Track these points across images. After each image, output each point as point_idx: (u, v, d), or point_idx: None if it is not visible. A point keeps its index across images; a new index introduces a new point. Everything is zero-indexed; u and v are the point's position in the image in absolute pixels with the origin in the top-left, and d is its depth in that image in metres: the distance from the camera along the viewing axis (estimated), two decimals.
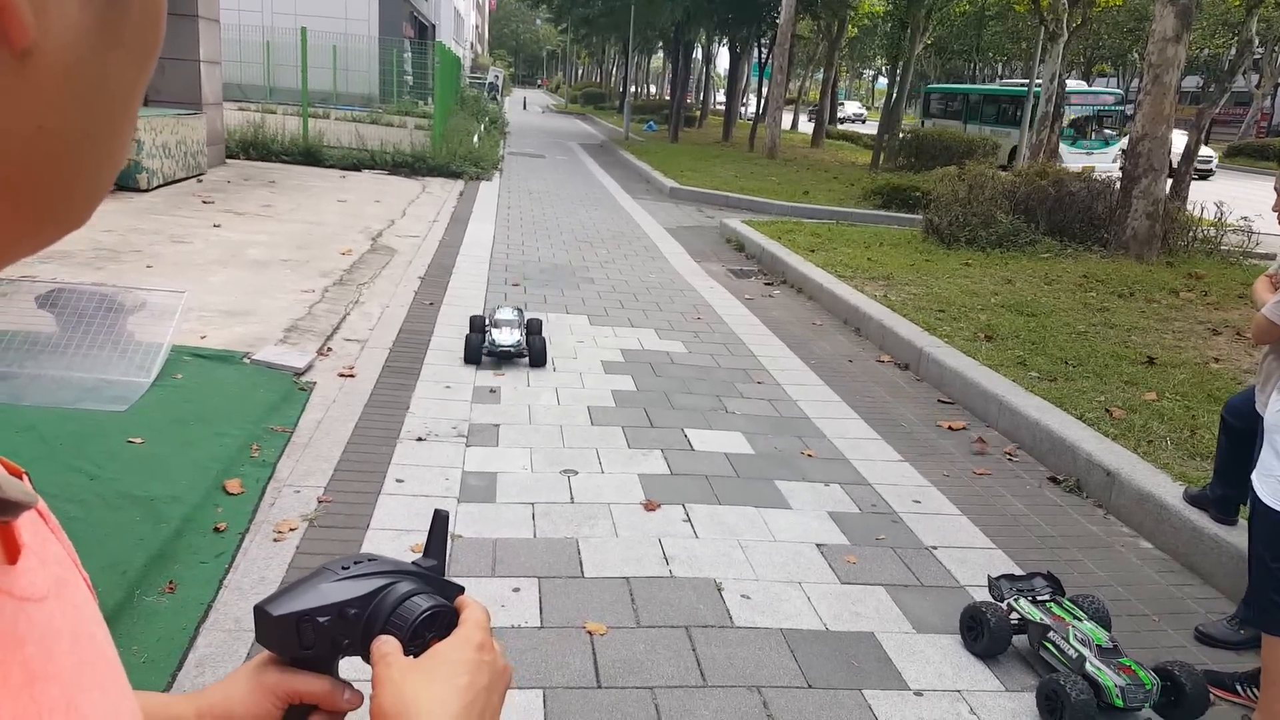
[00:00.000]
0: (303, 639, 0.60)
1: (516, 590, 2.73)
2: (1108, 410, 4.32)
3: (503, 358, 4.79)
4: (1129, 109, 18.75)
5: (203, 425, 3.55)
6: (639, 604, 2.71)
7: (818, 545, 3.16)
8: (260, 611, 0.60)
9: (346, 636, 0.61)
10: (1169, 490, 3.42)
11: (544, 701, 2.25)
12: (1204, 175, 23.47)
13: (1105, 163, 18.74)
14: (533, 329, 4.94)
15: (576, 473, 3.59)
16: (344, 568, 0.64)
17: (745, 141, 22.27)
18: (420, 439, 3.76)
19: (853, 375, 5.24)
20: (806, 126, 25.74)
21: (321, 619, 0.60)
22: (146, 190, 8.66)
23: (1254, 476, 2.27)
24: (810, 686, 2.40)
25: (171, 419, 3.54)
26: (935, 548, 3.22)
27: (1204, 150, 24.34)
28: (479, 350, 4.75)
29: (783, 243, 8.54)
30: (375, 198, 10.15)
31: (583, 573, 2.86)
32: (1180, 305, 6.72)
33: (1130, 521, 3.52)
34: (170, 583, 2.56)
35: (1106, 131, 20.04)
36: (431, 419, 4.00)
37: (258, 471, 3.31)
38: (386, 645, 0.60)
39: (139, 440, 3.29)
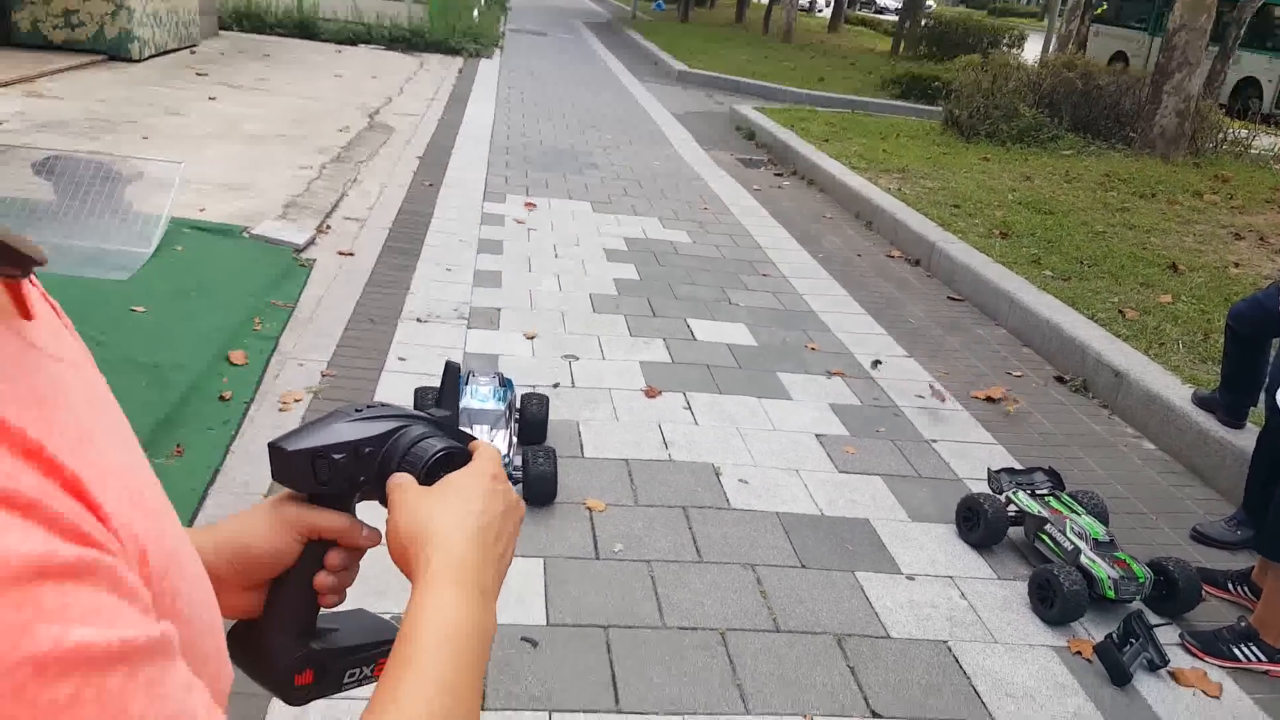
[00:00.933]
0: (318, 475, 0.60)
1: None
2: (1121, 311, 4.26)
3: None
4: None
5: (205, 297, 3.51)
6: (638, 484, 2.74)
7: (817, 435, 3.18)
8: (275, 448, 0.60)
9: (362, 474, 0.61)
10: (1177, 392, 3.40)
11: (544, 569, 2.30)
12: None
13: None
14: (532, 425, 2.76)
15: (578, 358, 3.57)
16: (357, 410, 0.64)
17: (759, 24, 21.22)
18: (421, 320, 3.73)
19: (861, 270, 5.15)
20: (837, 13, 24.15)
21: (337, 456, 0.60)
22: (138, 60, 8.32)
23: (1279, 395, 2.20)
24: (804, 566, 2.45)
25: (173, 290, 3.50)
26: (935, 441, 3.23)
27: None
28: None
29: (795, 131, 8.25)
30: (372, 74, 9.75)
31: (583, 453, 2.88)
32: (1203, 208, 6.54)
33: (1134, 422, 3.52)
34: (178, 446, 2.58)
35: None
36: (433, 300, 3.95)
37: (261, 344, 3.29)
38: (402, 477, 0.60)
39: (142, 309, 3.26)
